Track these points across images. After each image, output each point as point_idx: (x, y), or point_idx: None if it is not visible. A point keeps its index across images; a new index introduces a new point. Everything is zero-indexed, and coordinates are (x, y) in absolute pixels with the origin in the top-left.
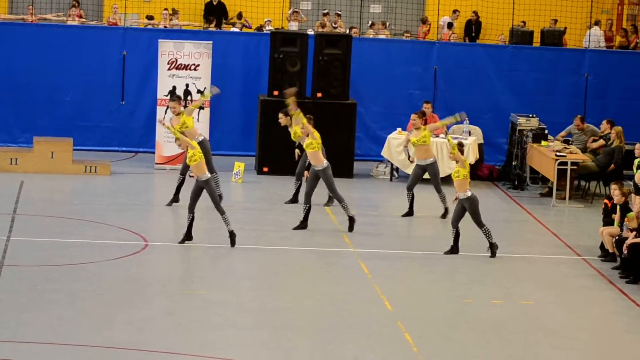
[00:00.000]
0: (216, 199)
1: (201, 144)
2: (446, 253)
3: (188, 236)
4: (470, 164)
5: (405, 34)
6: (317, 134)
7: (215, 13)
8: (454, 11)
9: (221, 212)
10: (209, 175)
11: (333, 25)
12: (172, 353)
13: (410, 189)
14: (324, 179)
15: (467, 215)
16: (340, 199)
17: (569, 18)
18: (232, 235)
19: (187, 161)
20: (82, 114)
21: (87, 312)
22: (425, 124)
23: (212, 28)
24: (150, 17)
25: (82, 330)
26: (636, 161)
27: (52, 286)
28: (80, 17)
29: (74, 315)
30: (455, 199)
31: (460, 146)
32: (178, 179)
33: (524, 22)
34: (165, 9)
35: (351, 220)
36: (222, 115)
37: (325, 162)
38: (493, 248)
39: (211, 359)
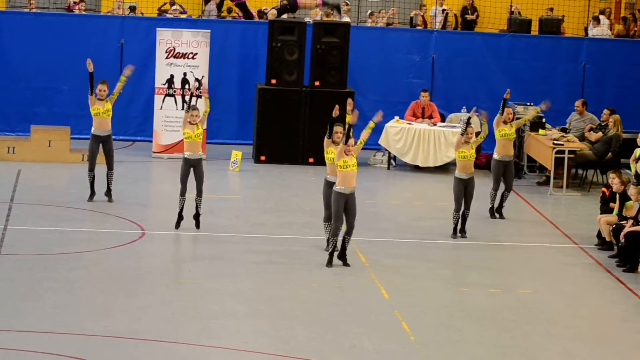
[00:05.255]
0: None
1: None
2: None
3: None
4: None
5: (394, 22)
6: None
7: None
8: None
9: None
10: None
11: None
12: (170, 342)
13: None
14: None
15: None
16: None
17: (567, 6)
18: None
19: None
20: (79, 102)
21: (85, 301)
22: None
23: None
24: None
25: (80, 318)
26: (637, 151)
27: (50, 275)
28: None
29: (72, 304)
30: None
31: (468, 121)
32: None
33: (519, 11)
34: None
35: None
36: (220, 103)
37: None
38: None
39: (209, 347)
